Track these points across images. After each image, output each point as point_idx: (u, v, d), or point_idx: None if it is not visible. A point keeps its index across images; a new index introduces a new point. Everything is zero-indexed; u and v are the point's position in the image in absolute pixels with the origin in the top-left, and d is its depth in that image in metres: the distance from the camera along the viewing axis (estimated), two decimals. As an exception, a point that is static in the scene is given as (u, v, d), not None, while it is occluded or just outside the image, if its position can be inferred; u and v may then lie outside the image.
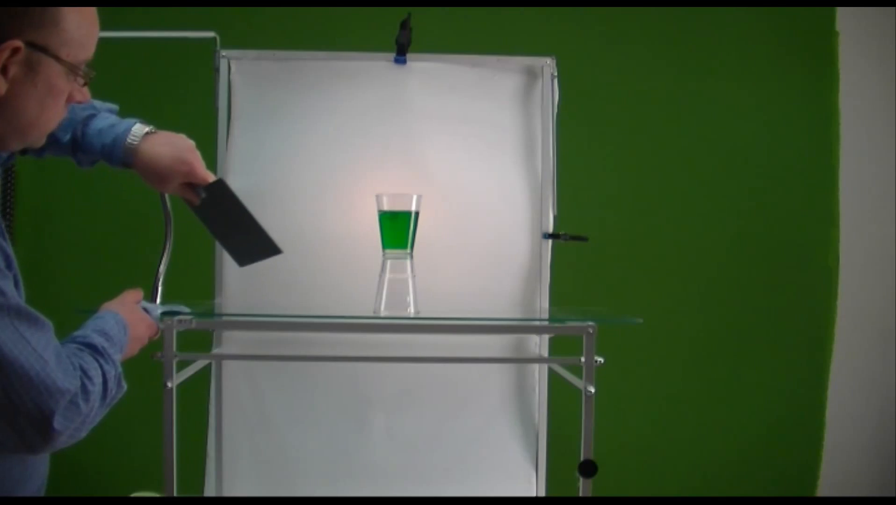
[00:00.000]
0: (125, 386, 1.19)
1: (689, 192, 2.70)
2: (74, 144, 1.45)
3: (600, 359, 1.46)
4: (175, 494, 1.42)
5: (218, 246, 1.91)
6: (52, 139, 1.42)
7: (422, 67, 1.96)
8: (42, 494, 1.29)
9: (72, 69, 1.10)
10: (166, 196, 1.50)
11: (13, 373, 0.97)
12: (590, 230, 1.98)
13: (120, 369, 1.17)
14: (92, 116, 1.45)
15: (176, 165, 1.43)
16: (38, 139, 1.16)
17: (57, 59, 1.08)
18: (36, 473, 1.19)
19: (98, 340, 1.17)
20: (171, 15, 2.51)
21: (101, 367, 1.12)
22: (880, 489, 2.75)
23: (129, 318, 1.29)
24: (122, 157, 1.42)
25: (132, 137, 1.42)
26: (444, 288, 1.84)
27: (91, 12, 1.13)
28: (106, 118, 1.45)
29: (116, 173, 2.57)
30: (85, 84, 1.14)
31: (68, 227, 2.54)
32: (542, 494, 1.96)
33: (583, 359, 1.46)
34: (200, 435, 1.92)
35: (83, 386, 1.06)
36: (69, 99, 1.14)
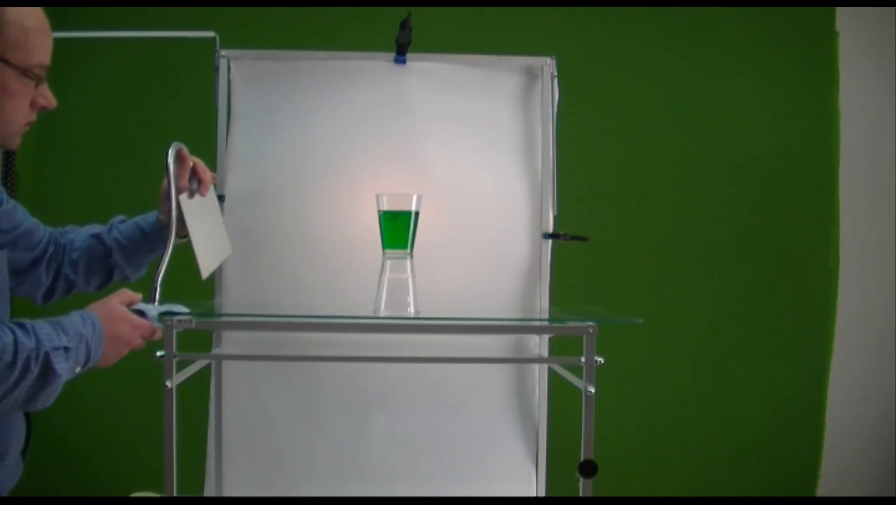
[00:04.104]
0: (59, 372, 1.19)
1: (689, 193, 2.70)
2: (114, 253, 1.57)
3: (600, 359, 1.46)
4: (175, 494, 1.42)
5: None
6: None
7: (421, 67, 1.96)
8: (19, 450, 1.34)
9: (23, 72, 1.19)
10: (174, 199, 1.50)
11: None
12: (590, 230, 1.98)
13: (47, 350, 1.17)
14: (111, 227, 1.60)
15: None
16: (4, 138, 1.24)
17: (4, 62, 1.17)
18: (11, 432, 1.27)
19: (31, 322, 1.20)
20: (170, 15, 2.51)
21: (14, 337, 1.15)
22: (880, 489, 2.75)
23: (105, 316, 1.29)
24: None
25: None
26: (444, 288, 1.84)
27: (36, 20, 1.22)
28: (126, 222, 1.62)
29: (115, 174, 2.58)
30: (37, 85, 1.23)
31: (68, 227, 2.54)
32: (542, 494, 1.96)
33: (583, 359, 1.46)
34: (200, 435, 1.92)
35: None
36: (33, 104, 1.24)
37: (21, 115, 1.24)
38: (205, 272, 1.56)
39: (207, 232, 1.61)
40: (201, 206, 1.59)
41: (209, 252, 1.60)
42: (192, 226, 1.53)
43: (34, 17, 1.21)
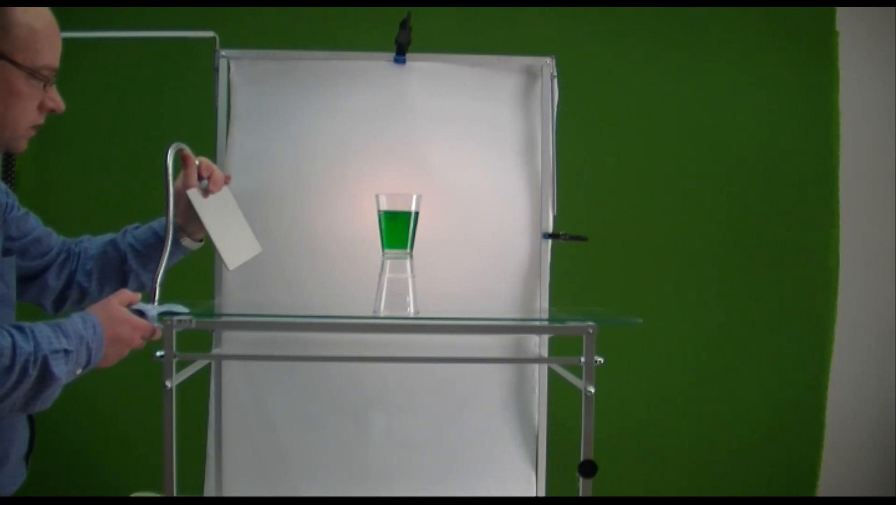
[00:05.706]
0: (57, 375, 1.19)
1: (689, 193, 2.70)
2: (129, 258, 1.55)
3: (600, 359, 1.46)
4: (175, 494, 1.42)
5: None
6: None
7: (421, 67, 1.96)
8: (21, 454, 1.35)
9: (31, 73, 1.19)
10: (171, 198, 1.49)
11: None
12: (590, 230, 1.98)
13: (46, 353, 1.17)
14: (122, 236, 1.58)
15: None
16: (11, 140, 1.24)
17: (12, 62, 1.17)
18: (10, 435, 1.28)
19: (30, 325, 1.20)
20: (170, 15, 2.51)
21: (12, 341, 1.15)
22: (880, 489, 2.75)
23: (105, 317, 1.29)
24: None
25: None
26: (444, 288, 1.84)
27: (45, 22, 1.22)
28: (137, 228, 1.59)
29: (116, 174, 2.58)
30: (45, 87, 1.22)
31: (68, 227, 2.53)
32: (542, 494, 1.96)
33: (583, 359, 1.46)
34: (200, 435, 1.92)
35: None
36: (41, 107, 1.24)
37: (28, 118, 1.23)
38: (231, 264, 1.56)
39: (228, 229, 1.59)
40: (217, 205, 1.57)
41: (232, 247, 1.58)
42: (209, 223, 1.52)
43: (43, 18, 1.21)
